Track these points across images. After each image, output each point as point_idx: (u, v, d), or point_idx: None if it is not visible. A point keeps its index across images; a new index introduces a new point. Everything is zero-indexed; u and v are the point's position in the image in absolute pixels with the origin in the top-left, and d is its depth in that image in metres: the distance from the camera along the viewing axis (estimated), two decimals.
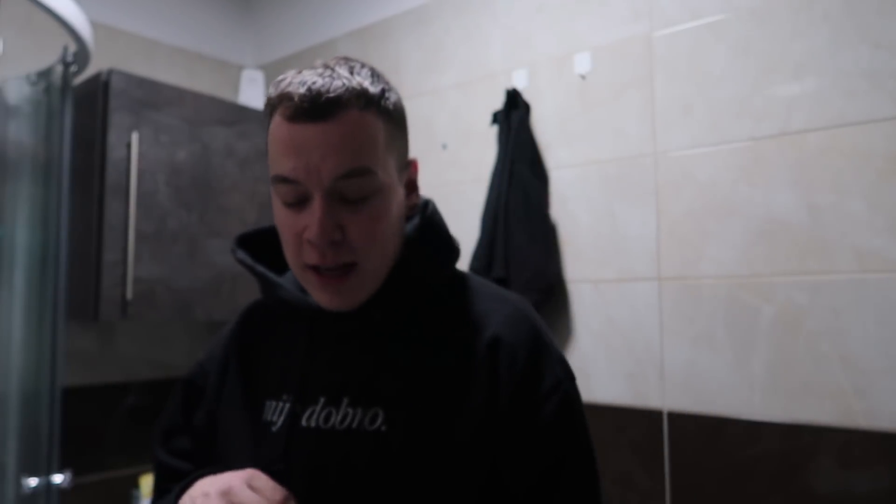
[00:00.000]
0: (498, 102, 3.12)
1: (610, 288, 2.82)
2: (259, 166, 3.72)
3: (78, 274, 3.09)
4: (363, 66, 1.25)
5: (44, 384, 2.64)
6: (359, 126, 1.17)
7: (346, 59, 1.26)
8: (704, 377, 2.58)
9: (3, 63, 3.02)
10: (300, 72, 1.21)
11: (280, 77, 1.23)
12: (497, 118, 3.08)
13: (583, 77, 2.97)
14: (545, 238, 2.89)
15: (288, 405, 1.29)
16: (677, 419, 2.62)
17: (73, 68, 2.76)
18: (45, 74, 2.79)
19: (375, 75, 1.25)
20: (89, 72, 2.98)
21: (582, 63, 2.97)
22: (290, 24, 4.34)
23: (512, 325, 1.28)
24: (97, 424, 3.51)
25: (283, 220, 1.24)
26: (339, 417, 1.24)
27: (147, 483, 3.37)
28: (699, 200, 2.63)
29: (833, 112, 2.37)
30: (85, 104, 3.16)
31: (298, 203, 1.20)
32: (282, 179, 1.19)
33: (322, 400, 1.27)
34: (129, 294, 3.09)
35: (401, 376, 1.25)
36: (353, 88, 1.18)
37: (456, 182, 3.30)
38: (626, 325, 2.78)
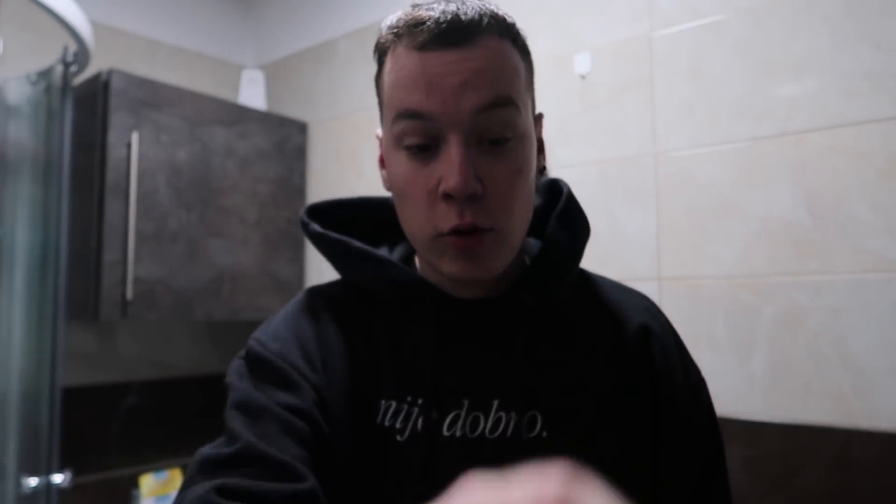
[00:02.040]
0: None
1: None
2: (258, 166, 3.72)
3: (78, 274, 3.10)
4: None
5: (44, 384, 2.64)
6: (501, 53, 1.03)
7: None
8: (705, 377, 2.57)
9: (3, 63, 3.02)
10: (418, 3, 1.06)
11: (391, 16, 1.09)
12: None
13: (583, 77, 2.97)
14: None
15: (417, 409, 1.09)
16: None
17: (73, 68, 2.76)
18: (45, 74, 2.79)
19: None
20: (89, 72, 2.99)
21: (582, 63, 2.97)
22: (291, 24, 4.35)
23: (654, 316, 1.21)
24: (97, 424, 3.51)
25: (409, 176, 1.05)
26: (490, 424, 1.07)
27: (147, 483, 3.37)
28: (699, 200, 2.63)
29: (833, 112, 2.37)
30: (85, 104, 3.16)
31: (426, 149, 1.03)
32: (409, 114, 1.02)
33: (466, 403, 1.08)
34: (129, 294, 3.09)
35: (555, 373, 1.11)
36: (492, 13, 1.03)
37: None
38: None
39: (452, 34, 0.99)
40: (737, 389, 2.50)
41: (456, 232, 1.02)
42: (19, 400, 2.65)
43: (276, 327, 1.21)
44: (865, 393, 2.26)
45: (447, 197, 1.00)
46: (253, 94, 4.15)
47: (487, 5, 1.04)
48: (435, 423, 1.07)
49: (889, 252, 2.25)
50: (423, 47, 1.01)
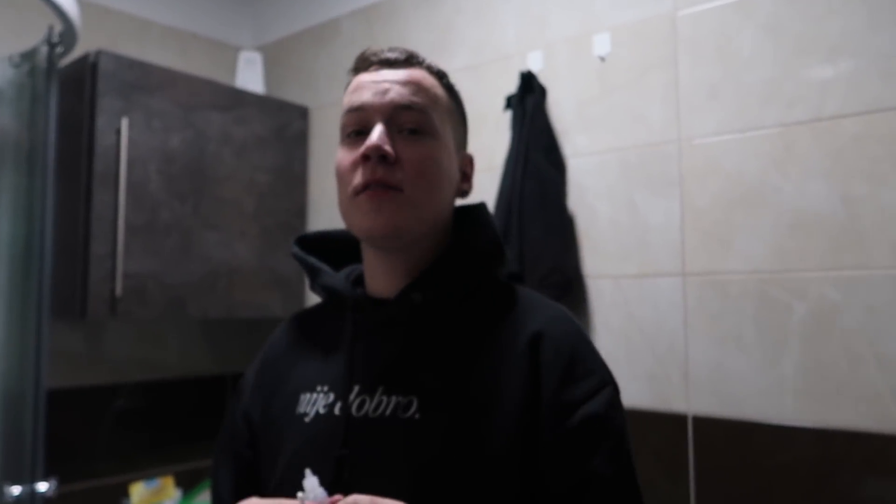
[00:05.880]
0: (512, 86, 3.12)
1: (631, 284, 2.83)
2: (257, 153, 3.73)
3: (64, 269, 3.09)
4: None
5: (27, 386, 2.64)
6: (425, 79, 1.44)
7: None
8: (732, 379, 2.58)
9: None
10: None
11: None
12: (511, 103, 3.08)
13: (602, 59, 2.97)
14: (562, 231, 2.90)
15: (320, 396, 1.41)
16: (703, 424, 2.62)
17: (58, 49, 2.76)
18: (29, 56, 2.79)
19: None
20: (76, 53, 2.97)
21: (601, 44, 2.97)
22: (290, 3, 4.34)
23: (555, 323, 1.39)
24: (84, 429, 3.51)
25: (343, 157, 1.42)
26: (373, 405, 1.34)
27: (137, 492, 3.38)
28: (726, 191, 2.63)
29: (870, 96, 2.37)
30: (71, 88, 3.16)
31: (360, 133, 1.39)
32: (349, 109, 1.42)
33: (356, 388, 1.37)
34: (119, 290, 3.10)
35: (438, 366, 1.35)
36: (425, 59, 1.48)
37: None
38: (649, 323, 2.78)
39: (388, 61, 1.44)
40: (766, 392, 2.51)
41: (367, 187, 1.34)
42: (1, 403, 2.65)
43: (259, 354, 1.67)
44: None
45: (365, 159, 1.34)
46: (250, 76, 4.15)
47: (423, 56, 1.48)
48: (329, 405, 1.38)
49: None
50: (367, 69, 1.45)
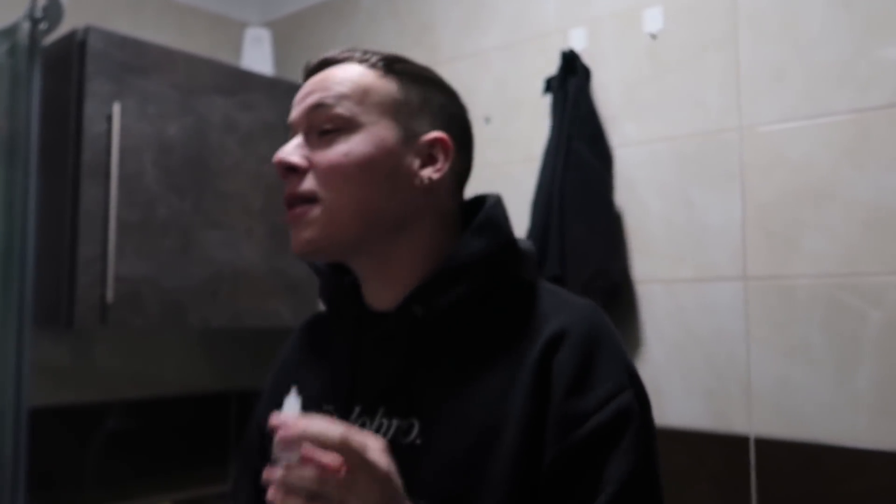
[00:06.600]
0: (552, 67, 3.11)
1: (686, 289, 2.82)
2: (265, 143, 3.71)
3: (48, 272, 3.07)
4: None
5: (7, 404, 2.63)
6: (352, 72, 1.45)
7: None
8: (799, 396, 2.57)
9: None
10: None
11: None
12: (551, 86, 3.07)
13: (653, 36, 2.96)
14: (608, 229, 2.90)
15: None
16: (766, 446, 2.61)
17: (42, 25, 2.75)
18: (9, 33, 2.78)
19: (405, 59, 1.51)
20: (62, 30, 2.93)
21: (652, 20, 2.96)
22: None
23: (573, 326, 1.37)
24: (71, 452, 3.49)
25: None
26: (373, 429, 1.38)
27: None
28: (793, 184, 2.62)
29: None
30: (57, 69, 3.13)
31: None
32: (289, 128, 1.48)
33: (357, 410, 1.43)
34: (110, 296, 3.08)
35: (441, 385, 1.38)
36: (362, 51, 1.49)
37: (501, 163, 3.28)
38: (706, 333, 2.77)
39: (319, 65, 1.50)
40: (837, 410, 2.49)
41: (288, 206, 1.40)
42: None
43: (271, 364, 1.78)
44: None
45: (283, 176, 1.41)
46: (258, 56, 4.14)
47: (371, 49, 1.51)
48: None
49: None
50: (304, 79, 1.51)
